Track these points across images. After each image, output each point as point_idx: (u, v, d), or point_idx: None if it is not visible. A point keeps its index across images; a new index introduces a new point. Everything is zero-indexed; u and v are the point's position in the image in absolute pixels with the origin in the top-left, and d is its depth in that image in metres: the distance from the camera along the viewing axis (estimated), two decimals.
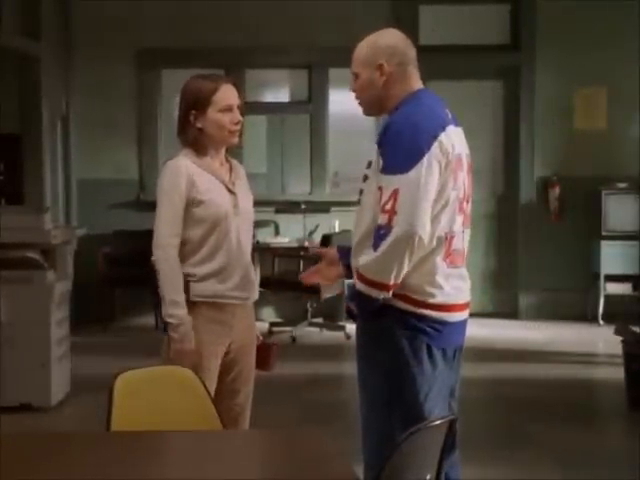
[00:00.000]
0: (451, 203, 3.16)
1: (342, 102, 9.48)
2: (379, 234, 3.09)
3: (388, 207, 3.07)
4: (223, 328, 3.58)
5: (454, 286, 3.23)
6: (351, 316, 3.35)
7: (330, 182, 9.82)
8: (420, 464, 2.43)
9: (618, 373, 6.35)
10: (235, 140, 3.62)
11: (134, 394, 2.99)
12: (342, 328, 8.71)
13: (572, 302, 9.50)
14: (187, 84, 3.61)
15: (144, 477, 2.43)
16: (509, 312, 9.66)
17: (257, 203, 3.83)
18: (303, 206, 9.59)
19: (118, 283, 9.19)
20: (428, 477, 2.44)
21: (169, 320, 3.50)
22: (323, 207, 9.57)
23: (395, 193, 3.06)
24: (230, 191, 3.59)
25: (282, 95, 10.06)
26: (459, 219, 3.22)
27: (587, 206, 9.41)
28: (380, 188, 3.12)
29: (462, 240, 3.26)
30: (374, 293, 3.14)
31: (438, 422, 2.48)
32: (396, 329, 3.17)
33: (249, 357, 3.70)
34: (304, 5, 9.47)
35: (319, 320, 9.17)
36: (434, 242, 3.14)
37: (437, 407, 3.21)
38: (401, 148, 3.09)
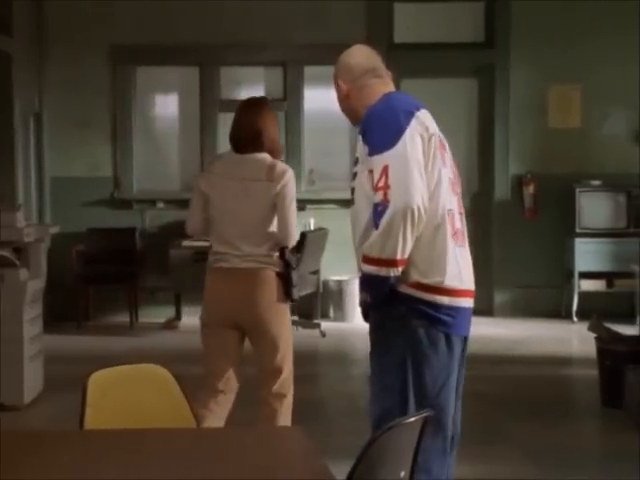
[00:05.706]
0: (444, 180, 3.25)
1: (317, 100, 9.47)
2: (377, 212, 3.15)
3: (381, 184, 3.14)
4: None
5: (464, 268, 3.28)
6: (364, 314, 3.37)
7: (305, 179, 9.81)
8: (394, 461, 2.43)
9: (592, 370, 6.38)
10: None
11: (107, 392, 2.98)
12: (317, 326, 8.70)
13: (546, 299, 9.54)
14: None
15: (118, 475, 2.42)
16: (483, 309, 9.66)
17: None
18: None
19: (92, 281, 9.13)
20: (402, 474, 2.44)
21: None
22: (298, 205, 9.38)
23: (385, 169, 3.14)
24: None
25: (257, 92, 10.01)
26: (454, 199, 3.31)
27: (561, 203, 9.44)
28: (371, 171, 3.20)
29: (461, 221, 3.33)
30: (383, 272, 3.17)
31: (413, 419, 2.49)
32: (412, 318, 3.21)
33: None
34: (279, 3, 9.44)
35: (294, 318, 9.14)
36: (438, 218, 3.21)
37: (452, 396, 3.27)
38: (383, 128, 3.21)
